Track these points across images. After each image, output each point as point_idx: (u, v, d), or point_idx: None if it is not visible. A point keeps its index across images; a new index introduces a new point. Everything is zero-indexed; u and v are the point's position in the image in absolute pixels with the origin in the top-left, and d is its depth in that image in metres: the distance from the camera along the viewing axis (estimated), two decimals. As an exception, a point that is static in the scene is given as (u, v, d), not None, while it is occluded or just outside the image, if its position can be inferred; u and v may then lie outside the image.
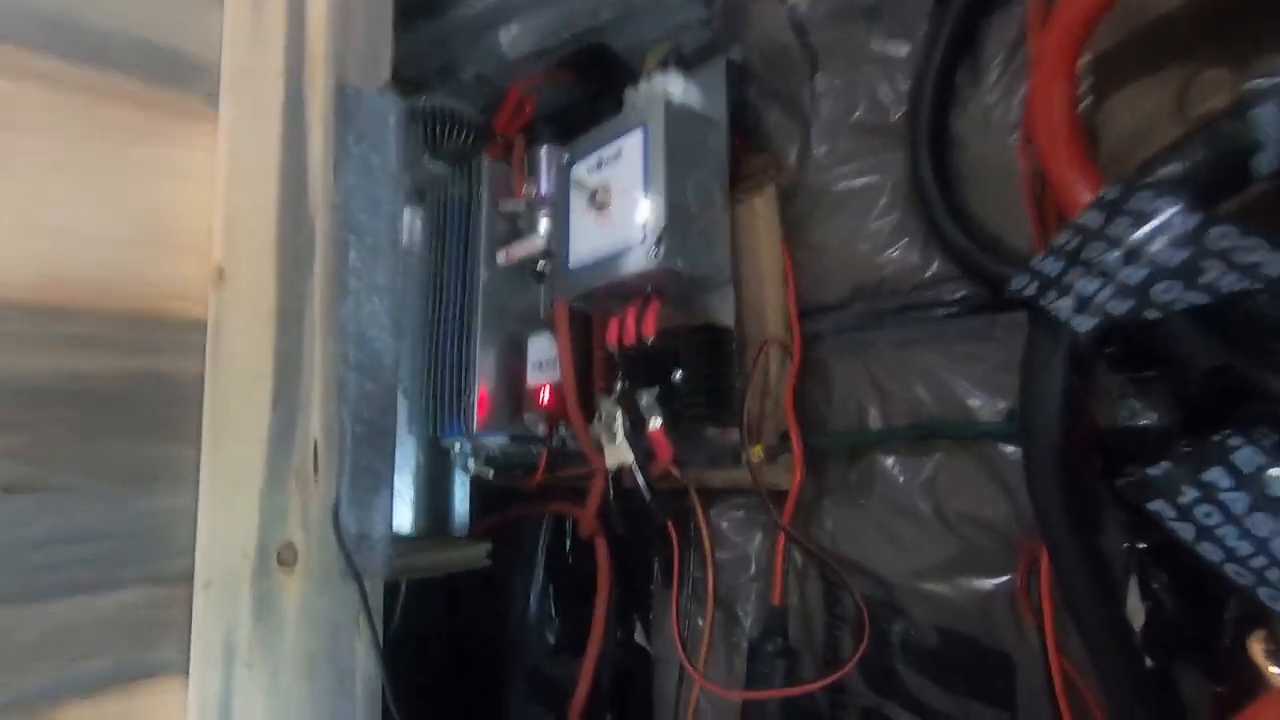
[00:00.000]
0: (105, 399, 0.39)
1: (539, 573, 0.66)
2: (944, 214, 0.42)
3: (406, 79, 0.68)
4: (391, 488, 0.48)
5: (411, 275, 0.67)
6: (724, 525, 0.52)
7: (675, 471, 0.49)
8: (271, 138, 0.44)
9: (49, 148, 0.38)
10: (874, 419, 0.44)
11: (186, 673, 0.39)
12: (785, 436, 0.46)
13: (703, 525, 0.50)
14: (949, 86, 0.43)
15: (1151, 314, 0.25)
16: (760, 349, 0.48)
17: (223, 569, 0.40)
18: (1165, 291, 0.25)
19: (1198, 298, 0.24)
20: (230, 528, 0.40)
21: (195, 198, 0.42)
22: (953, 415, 0.41)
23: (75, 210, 0.38)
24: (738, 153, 0.53)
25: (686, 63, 0.54)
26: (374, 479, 0.46)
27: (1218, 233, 0.24)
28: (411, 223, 0.68)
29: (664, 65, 0.53)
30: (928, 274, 0.44)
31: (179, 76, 0.42)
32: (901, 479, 0.42)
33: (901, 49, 0.45)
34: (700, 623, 0.49)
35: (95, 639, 0.37)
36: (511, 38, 0.62)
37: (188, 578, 0.39)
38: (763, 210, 0.50)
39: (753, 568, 0.50)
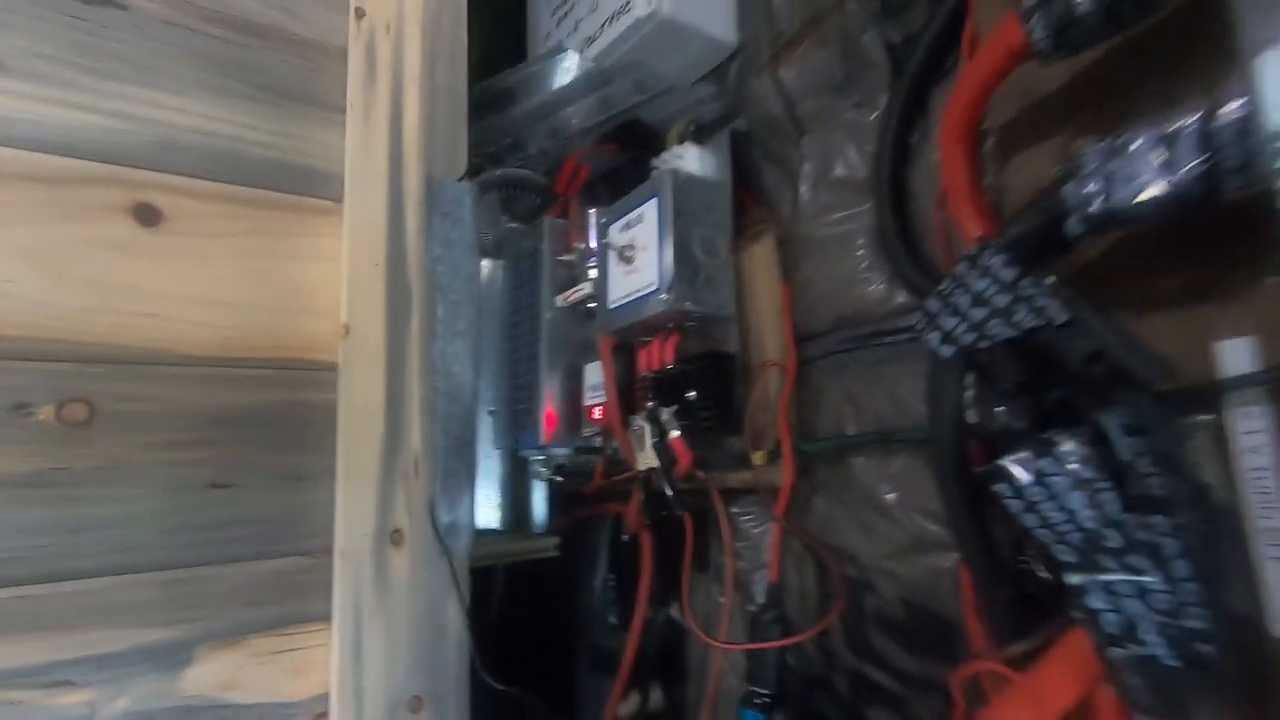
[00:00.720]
0: (269, 422, 0.54)
1: (601, 563, 0.77)
2: (903, 256, 0.50)
3: (485, 154, 0.84)
4: (473, 487, 0.61)
5: (493, 317, 0.81)
6: (742, 519, 0.62)
7: (699, 474, 0.60)
8: (379, 223, 0.60)
9: (224, 246, 0.54)
10: (850, 427, 0.53)
11: (329, 620, 0.54)
12: (781, 443, 0.55)
13: (722, 518, 0.60)
14: (904, 147, 0.52)
15: (984, 343, 0.34)
16: (760, 371, 0.58)
17: (352, 545, 0.55)
18: (994, 327, 0.34)
19: (1011, 332, 0.33)
20: (356, 515, 0.55)
21: (327, 273, 0.58)
22: (909, 424, 0.49)
23: (243, 289, 0.54)
24: (744, 206, 0.64)
25: (705, 131, 0.66)
26: (459, 480, 0.60)
27: (1025, 283, 0.33)
28: (493, 273, 0.83)
29: (681, 139, 0.64)
30: (892, 305, 0.52)
31: (313, 186, 0.58)
32: (871, 477, 0.51)
33: (867, 116, 0.54)
34: (721, 600, 0.59)
35: (266, 593, 0.53)
36: (564, 119, 0.76)
37: (328, 551, 0.54)
38: (762, 255, 0.60)
39: (764, 554, 0.59)
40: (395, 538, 0.56)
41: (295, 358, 0.56)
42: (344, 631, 0.54)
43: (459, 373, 0.61)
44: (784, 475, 0.54)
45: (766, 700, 0.50)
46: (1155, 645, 0.29)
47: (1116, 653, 0.30)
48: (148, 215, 0.51)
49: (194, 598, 0.50)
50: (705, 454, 0.59)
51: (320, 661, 0.54)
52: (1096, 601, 0.31)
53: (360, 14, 0.61)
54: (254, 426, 0.54)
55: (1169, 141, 0.30)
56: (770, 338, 0.58)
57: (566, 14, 0.73)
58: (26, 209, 0.48)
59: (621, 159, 0.78)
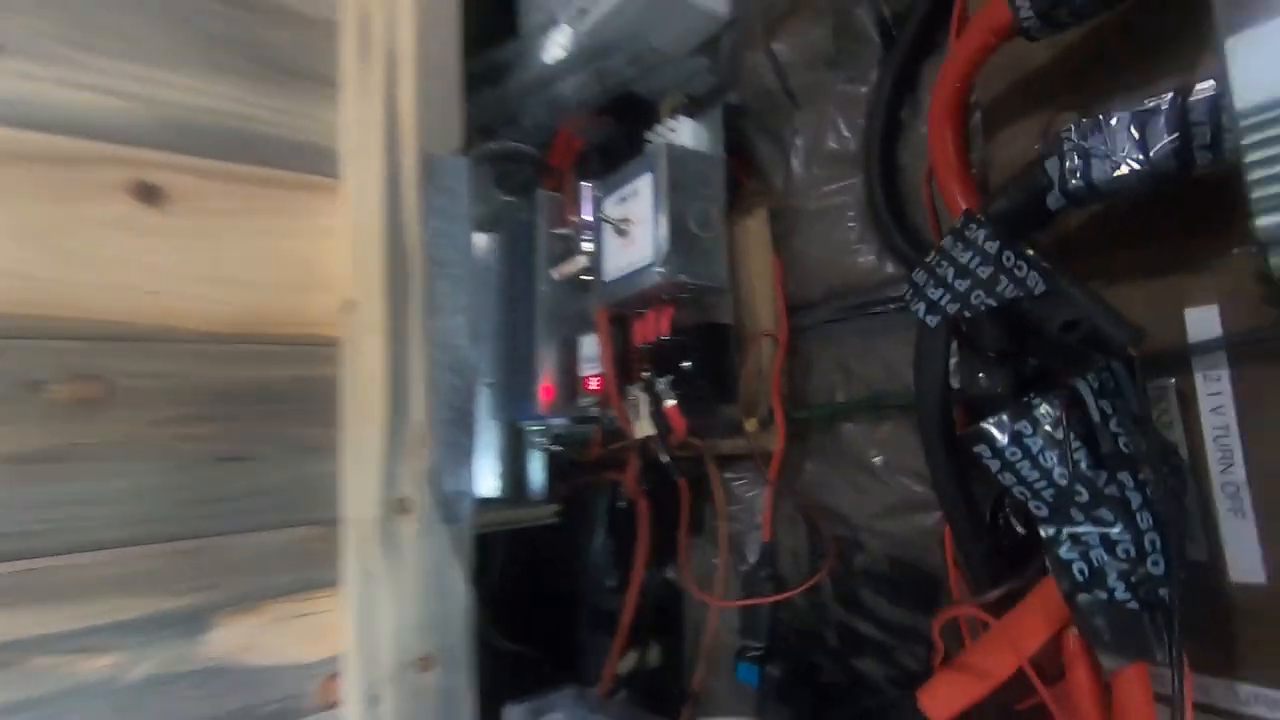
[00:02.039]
0: (277, 397, 0.56)
1: (600, 529, 0.80)
2: (892, 228, 0.52)
3: (479, 127, 0.84)
4: (474, 458, 0.63)
5: (489, 290, 0.82)
6: (736, 484, 0.64)
7: (695, 441, 0.62)
8: (377, 199, 0.60)
9: (225, 223, 0.55)
10: (841, 394, 0.55)
11: (340, 586, 0.56)
12: (774, 410, 0.57)
13: (715, 483, 0.62)
14: (895, 121, 0.53)
15: (968, 313, 0.36)
16: (754, 340, 0.60)
17: (360, 515, 0.56)
18: (977, 298, 0.35)
19: (993, 302, 0.35)
20: (363, 485, 0.57)
21: (329, 250, 0.58)
22: (898, 390, 0.51)
23: (247, 266, 0.55)
24: (738, 178, 0.65)
25: (699, 104, 0.66)
26: (461, 451, 0.62)
27: (1007, 255, 0.34)
28: (489, 246, 0.84)
29: (675, 112, 0.65)
30: (882, 275, 0.54)
31: (313, 164, 0.58)
32: (861, 442, 0.53)
33: (859, 90, 0.55)
34: (716, 560, 0.62)
35: (279, 561, 0.54)
36: (559, 92, 0.76)
37: (338, 520, 0.56)
38: (755, 228, 0.61)
39: (757, 517, 0.62)
40: (401, 506, 0.58)
41: (300, 333, 0.57)
42: (354, 596, 0.56)
43: (460, 346, 0.63)
44: (776, 441, 0.56)
45: (759, 653, 0.53)
46: (1118, 591, 0.32)
47: (1083, 598, 0.32)
48: (149, 194, 0.52)
49: (210, 566, 0.52)
50: (700, 422, 0.61)
51: (332, 625, 0.56)
52: (1066, 552, 0.33)
53: (353, -11, 0.61)
54: (262, 401, 0.55)
55: (1144, 119, 0.32)
56: (763, 308, 0.60)
57: (558, -15, 0.73)
58: (31, 189, 0.48)
59: (615, 131, 0.79)
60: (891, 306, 0.53)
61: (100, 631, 0.48)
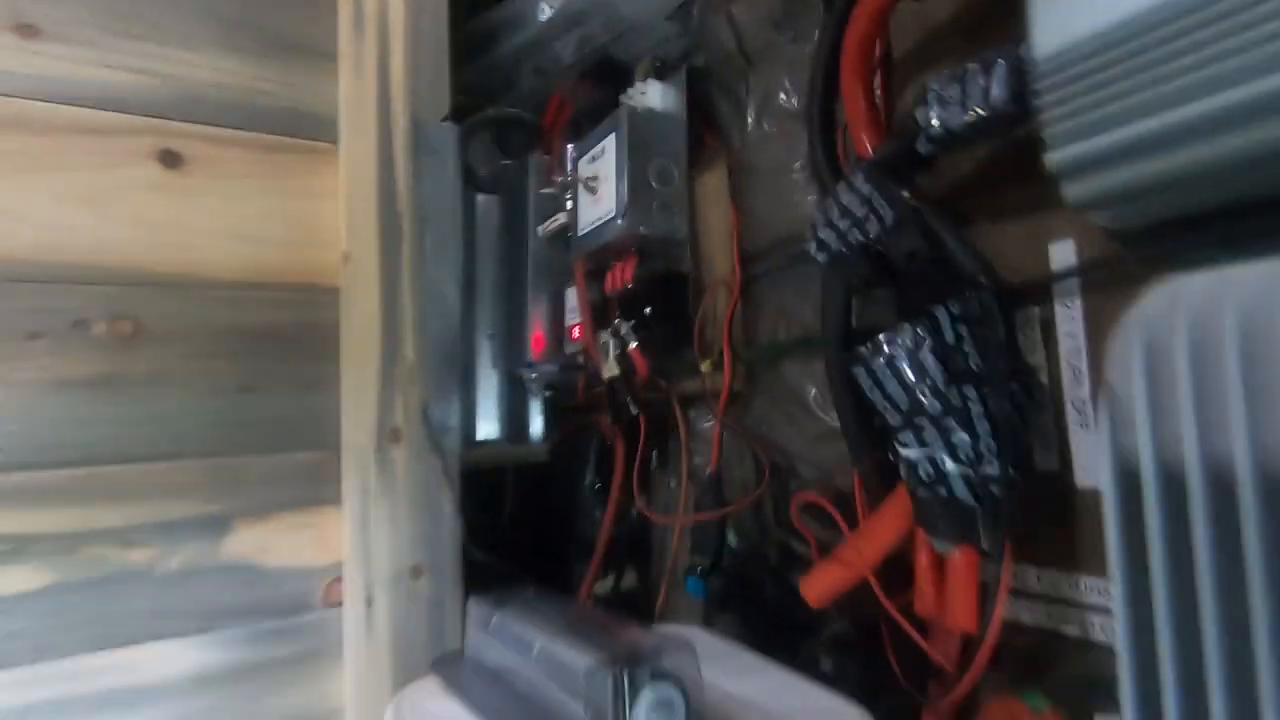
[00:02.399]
0: (286, 337, 0.63)
1: (590, 467, 0.87)
2: (829, 180, 0.56)
3: (480, 94, 0.89)
4: (463, 395, 0.70)
5: (490, 248, 0.89)
6: (699, 422, 0.69)
7: (661, 382, 0.68)
8: (371, 163, 0.67)
9: (239, 185, 0.63)
10: (783, 336, 0.60)
11: (340, 503, 0.64)
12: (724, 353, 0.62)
13: (679, 419, 0.68)
14: (833, 79, 0.57)
15: (845, 249, 0.40)
16: (712, 289, 0.64)
17: (357, 442, 0.64)
18: (852, 235, 0.40)
19: (862, 237, 0.39)
20: (360, 416, 0.65)
21: (330, 208, 0.66)
22: (828, 329, 0.55)
23: (258, 223, 0.63)
24: (703, 138, 0.69)
25: (668, 68, 0.70)
26: (449, 388, 0.69)
27: (874, 194, 0.39)
28: (488, 207, 0.90)
29: (646, 75, 0.70)
30: (820, 225, 0.58)
31: (313, 129, 0.66)
32: (797, 378, 0.58)
33: (803, 50, 0.59)
34: (676, 488, 0.68)
35: (289, 479, 0.63)
36: (547, 57, 0.81)
37: (338, 446, 0.64)
38: (714, 183, 0.65)
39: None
40: (394, 435, 0.66)
41: (305, 282, 0.65)
42: (353, 512, 0.64)
43: (447, 294, 0.70)
44: (725, 381, 0.61)
45: (705, 568, 0.59)
46: (957, 488, 0.37)
47: (924, 493, 0.37)
48: (172, 160, 0.60)
49: (231, 481, 0.61)
50: (664, 364, 0.66)
51: (335, 536, 0.64)
52: (914, 455, 0.38)
53: (347, -32, 0.67)
54: (273, 341, 0.63)
55: (989, 69, 0.35)
56: (721, 259, 0.65)
57: (543, -43, 0.78)
58: (71, 156, 0.57)
59: (599, 95, 0.83)
60: (827, 253, 0.57)
61: (141, 529, 0.57)
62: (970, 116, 0.36)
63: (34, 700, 0.53)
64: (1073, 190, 0.30)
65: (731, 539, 0.62)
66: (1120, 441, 0.28)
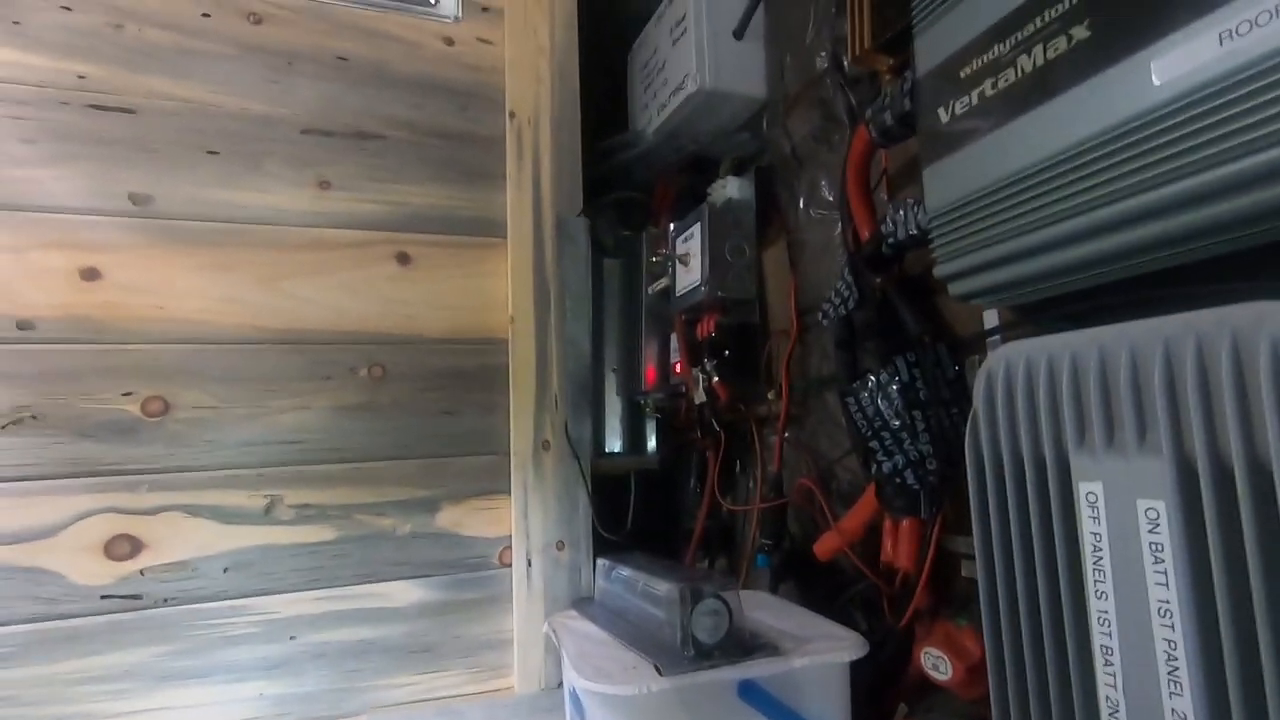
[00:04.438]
0: (473, 375, 0.91)
1: (692, 473, 1.09)
2: (853, 256, 0.75)
3: (604, 180, 1.15)
4: (592, 416, 0.95)
5: (614, 300, 1.14)
6: (769, 437, 0.90)
7: (741, 407, 0.89)
8: (528, 250, 0.94)
9: (447, 272, 0.91)
10: (825, 373, 0.79)
11: (510, 494, 0.90)
12: (782, 384, 0.82)
13: (754, 436, 0.88)
14: (857, 180, 0.76)
15: (832, 317, 0.60)
16: (773, 336, 0.85)
17: (520, 449, 0.91)
18: (838, 306, 0.59)
19: (843, 309, 0.58)
20: (522, 431, 0.91)
21: (501, 284, 0.93)
22: (855, 367, 0.74)
23: (457, 297, 0.91)
24: (770, 219, 0.90)
25: (744, 165, 0.92)
26: (582, 411, 0.94)
27: (848, 278, 0.58)
28: (612, 268, 1.15)
29: (726, 171, 0.92)
30: (851, 288, 0.77)
31: (491, 230, 0.94)
32: (834, 404, 0.77)
33: (836, 157, 0.79)
34: (752, 487, 0.88)
35: (476, 475, 0.90)
36: (655, 159, 1.05)
37: (508, 452, 0.91)
38: (777, 255, 0.86)
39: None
40: (545, 445, 0.92)
41: (485, 337, 0.92)
42: (517, 500, 0.90)
43: (581, 342, 0.95)
44: (783, 405, 0.81)
45: (769, 546, 0.79)
46: (907, 477, 0.55)
47: (886, 483, 0.55)
48: (404, 259, 0.90)
49: (439, 475, 0.89)
50: (741, 393, 0.87)
51: (505, 517, 0.91)
52: (882, 459, 0.56)
53: (512, 115, 0.95)
54: (465, 378, 0.91)
55: (918, 204, 0.55)
56: (782, 312, 0.85)
57: (649, 86, 1.03)
58: (344, 262, 0.88)
59: (693, 183, 1.06)
60: (857, 309, 0.76)
61: (386, 505, 0.86)
62: (905, 234, 0.55)
63: (327, 610, 0.82)
64: (954, 288, 0.49)
65: (791, 525, 0.81)
66: (975, 441, 0.47)
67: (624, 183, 1.15)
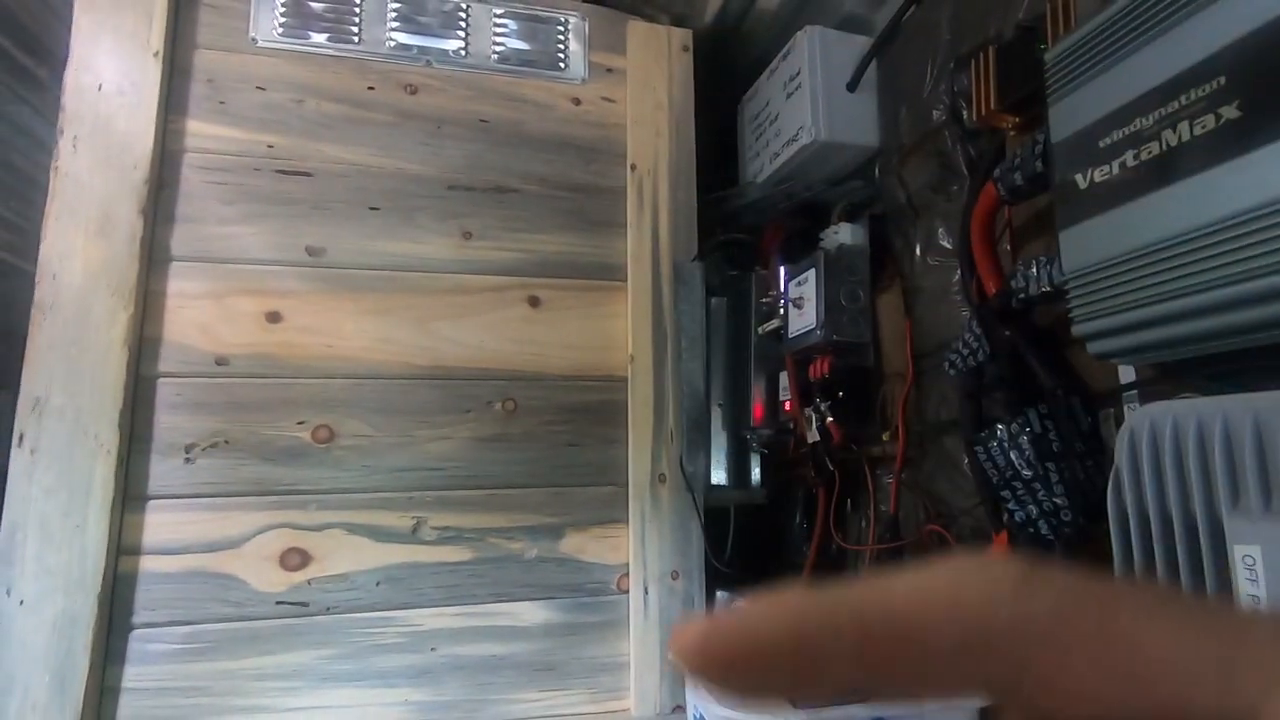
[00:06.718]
0: (596, 410, 0.97)
1: (798, 511, 1.11)
2: (982, 309, 0.77)
3: (715, 223, 1.20)
4: (707, 451, 0.99)
5: (721, 337, 1.18)
6: (884, 478, 0.91)
7: (854, 447, 0.91)
8: (647, 293, 1.00)
9: (571, 314, 0.98)
10: (945, 416, 0.80)
11: (628, 523, 0.95)
12: (899, 427, 0.84)
13: (868, 475, 0.90)
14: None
15: (961, 367, 0.62)
16: (890, 379, 0.87)
17: (638, 481, 0.96)
18: (966, 358, 0.62)
19: (972, 361, 0.61)
20: (640, 464, 0.96)
21: (621, 325, 1.00)
22: (976, 412, 0.75)
23: (581, 337, 0.98)
24: (884, 265, 0.93)
25: (856, 211, 0.96)
26: (697, 446, 0.98)
27: (978, 331, 0.61)
28: (719, 307, 1.20)
29: (839, 218, 0.95)
30: (971, 334, 0.78)
31: (613, 274, 1.00)
32: (955, 449, 0.78)
33: (955, 207, 0.81)
34: (865, 526, 0.90)
35: (597, 505, 0.96)
36: (765, 204, 1.10)
37: (627, 484, 0.96)
38: (892, 300, 0.89)
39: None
40: (661, 478, 0.97)
41: (606, 374, 0.99)
42: (635, 529, 0.95)
43: (696, 380, 1.00)
44: (899, 448, 0.83)
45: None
46: (1041, 527, 0.56)
47: (1019, 534, 0.57)
48: (534, 301, 0.98)
49: (564, 503, 0.95)
50: (854, 433, 0.90)
51: (624, 545, 0.96)
52: (1014, 508, 0.58)
53: (633, 168, 1.02)
54: (588, 413, 0.98)
55: (1051, 262, 0.57)
56: (896, 356, 0.87)
57: (760, 135, 1.08)
58: (482, 305, 0.96)
59: (804, 226, 1.10)
60: (977, 356, 0.77)
61: (516, 530, 0.93)
62: (1037, 290, 0.57)
63: (465, 626, 0.89)
64: (1092, 347, 0.51)
65: (907, 567, 0.83)
66: (1119, 498, 0.48)
67: (731, 225, 1.20)
